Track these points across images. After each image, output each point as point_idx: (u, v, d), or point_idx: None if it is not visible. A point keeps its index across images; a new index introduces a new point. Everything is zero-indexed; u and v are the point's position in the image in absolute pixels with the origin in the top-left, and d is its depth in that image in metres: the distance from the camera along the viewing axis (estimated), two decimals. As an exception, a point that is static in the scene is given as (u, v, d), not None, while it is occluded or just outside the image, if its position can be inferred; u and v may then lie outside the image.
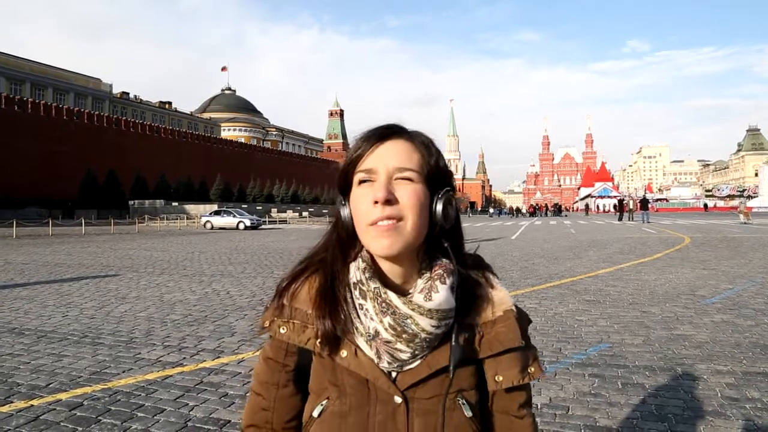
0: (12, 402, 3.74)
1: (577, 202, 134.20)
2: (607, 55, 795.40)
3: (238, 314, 6.73)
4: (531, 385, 0.94)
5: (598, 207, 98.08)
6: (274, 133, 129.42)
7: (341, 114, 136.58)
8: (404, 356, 0.84)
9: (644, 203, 38.57)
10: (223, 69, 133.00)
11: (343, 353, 0.87)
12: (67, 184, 58.21)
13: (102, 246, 19.53)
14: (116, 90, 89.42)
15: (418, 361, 0.85)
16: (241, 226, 35.86)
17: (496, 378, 0.87)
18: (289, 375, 0.94)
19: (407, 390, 0.85)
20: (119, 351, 5.01)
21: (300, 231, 33.97)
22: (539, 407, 3.48)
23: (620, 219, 41.64)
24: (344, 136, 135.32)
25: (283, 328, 0.90)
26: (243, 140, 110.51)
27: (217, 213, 39.18)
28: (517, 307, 0.91)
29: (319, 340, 0.88)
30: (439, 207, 0.84)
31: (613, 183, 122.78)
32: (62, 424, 3.35)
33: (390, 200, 0.80)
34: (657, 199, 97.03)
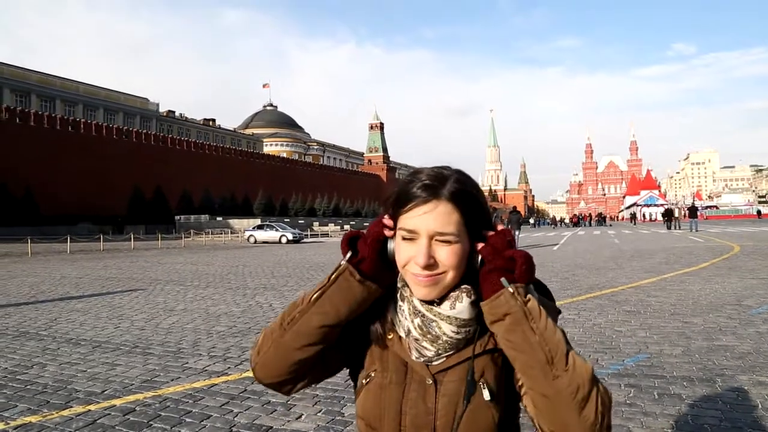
0: (71, 407, 4.00)
1: (622, 211, 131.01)
2: (650, 60, 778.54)
3: (280, 325, 6.91)
4: None
5: (644, 216, 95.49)
6: (315, 147, 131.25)
7: (381, 127, 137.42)
8: (429, 353, 1.00)
9: (692, 211, 37.43)
10: (265, 86, 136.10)
11: (390, 336, 1.05)
12: (117, 200, 60.41)
13: (150, 260, 20.24)
14: (162, 109, 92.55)
15: (443, 359, 1.00)
16: (284, 239, 36.48)
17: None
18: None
19: (437, 374, 1.00)
20: (168, 360, 5.26)
21: (338, 244, 34.27)
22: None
23: (668, 228, 40.46)
24: (385, 149, 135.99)
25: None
26: (285, 155, 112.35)
27: (260, 227, 39.97)
28: (540, 299, 0.99)
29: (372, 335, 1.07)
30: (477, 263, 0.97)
31: (659, 191, 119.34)
32: (117, 427, 3.57)
33: (431, 265, 0.94)
34: (706, 207, 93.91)
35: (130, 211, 59.55)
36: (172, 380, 4.60)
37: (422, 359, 1.01)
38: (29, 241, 24.48)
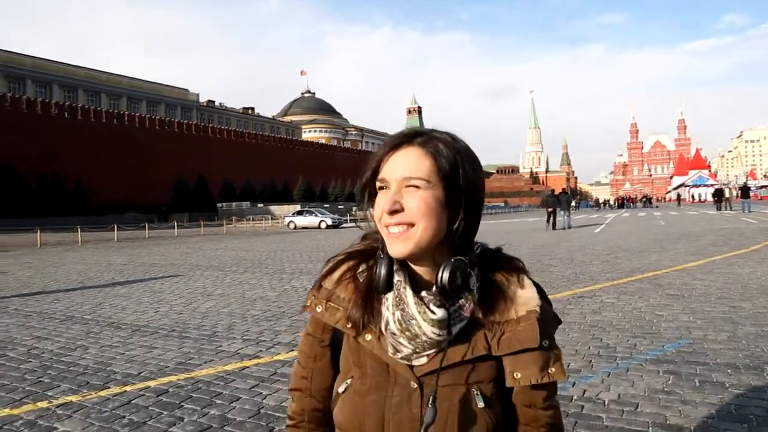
0: (109, 387, 4.11)
1: (669, 192, 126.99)
2: (699, 33, 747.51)
3: (314, 310, 6.95)
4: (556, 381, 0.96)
5: (693, 197, 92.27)
6: (354, 132, 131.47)
7: (419, 111, 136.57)
8: (406, 351, 0.91)
9: (744, 191, 35.88)
10: (302, 73, 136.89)
11: (368, 337, 0.95)
12: (162, 189, 62.01)
13: (192, 247, 20.72)
14: (202, 99, 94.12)
15: (424, 358, 0.91)
16: (323, 225, 36.78)
17: (515, 375, 0.90)
18: (325, 349, 1.04)
19: (423, 377, 0.91)
20: (203, 344, 5.35)
21: (379, 229, 34.37)
22: (606, 403, 3.40)
23: (718, 209, 38.99)
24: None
25: (320, 308, 1.00)
26: (323, 141, 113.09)
27: (299, 213, 40.39)
28: (543, 308, 0.92)
29: (347, 322, 0.96)
30: (446, 275, 0.87)
31: (709, 171, 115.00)
32: (150, 408, 3.65)
33: (395, 210, 0.86)
34: (761, 186, 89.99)
35: (174, 200, 61.14)
36: (205, 363, 4.67)
37: (399, 356, 0.91)
38: (79, 230, 25.37)
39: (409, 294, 0.90)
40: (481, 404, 0.89)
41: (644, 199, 79.01)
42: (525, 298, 0.92)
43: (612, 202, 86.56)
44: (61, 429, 3.38)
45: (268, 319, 6.51)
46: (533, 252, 13.75)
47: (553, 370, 0.91)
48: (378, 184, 0.91)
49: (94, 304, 7.83)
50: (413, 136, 0.90)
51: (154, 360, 4.84)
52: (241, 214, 55.37)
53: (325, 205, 57.33)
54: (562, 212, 24.19)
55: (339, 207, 61.10)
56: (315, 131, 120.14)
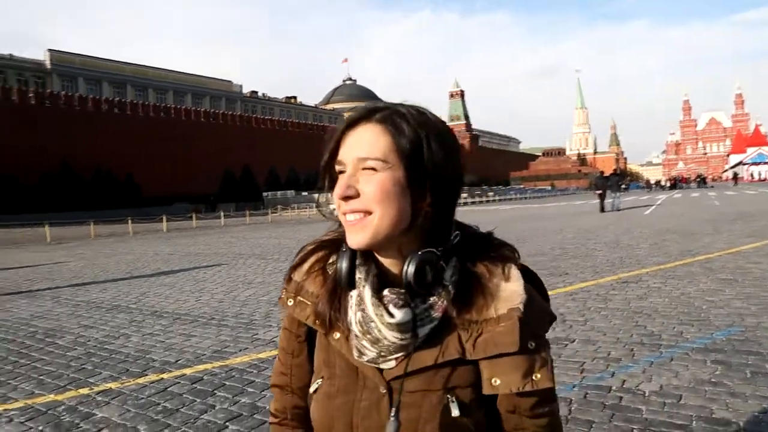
0: (147, 375, 4.20)
1: (725, 171, 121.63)
2: (753, 1, 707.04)
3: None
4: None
5: (752, 175, 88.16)
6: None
7: (462, 94, 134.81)
8: (370, 354, 0.82)
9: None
10: (344, 60, 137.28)
11: (336, 335, 0.86)
12: (209, 180, 63.43)
13: (236, 236, 21.12)
14: (246, 90, 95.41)
15: (392, 362, 0.81)
16: (366, 212, 36.84)
17: (493, 381, 0.79)
18: (302, 345, 0.96)
19: (393, 381, 0.81)
20: (239, 332, 5.41)
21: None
22: (646, 395, 3.24)
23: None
24: (467, 117, 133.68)
25: (291, 302, 0.92)
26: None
27: (342, 200, 40.55)
28: (529, 304, 0.78)
29: (316, 319, 0.88)
30: (411, 270, 0.77)
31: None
32: (184, 395, 3.70)
33: (349, 195, 0.77)
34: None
35: (221, 190, 62.54)
36: (240, 351, 4.72)
37: (364, 359, 0.82)
38: (130, 221, 26.23)
39: (367, 293, 0.81)
40: (456, 412, 0.79)
41: (698, 179, 75.90)
42: (508, 292, 0.79)
43: (664, 183, 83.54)
44: (99, 415, 3.46)
45: (306, 306, 6.52)
46: (578, 236, 13.38)
47: (538, 376, 0.78)
48: (337, 167, 0.81)
49: (139, 294, 8.05)
50: (373, 112, 0.80)
51: (191, 348, 4.92)
52: (286, 202, 56.08)
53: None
54: (612, 194, 23.55)
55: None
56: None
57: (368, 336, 0.81)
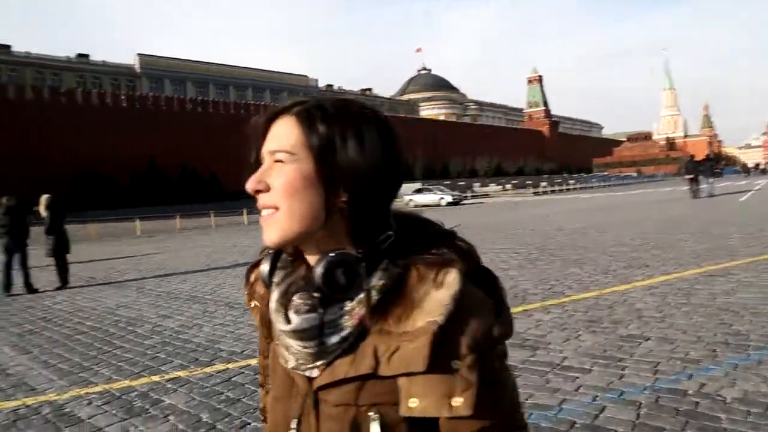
0: (214, 365, 4.34)
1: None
2: None
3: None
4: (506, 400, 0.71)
5: None
6: (473, 107, 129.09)
7: (540, 80, 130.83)
8: (291, 361, 0.75)
9: None
10: (418, 50, 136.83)
11: (277, 340, 0.80)
12: (289, 173, 65.43)
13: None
14: (321, 84, 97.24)
15: (316, 371, 0.74)
16: (443, 202, 36.61)
17: (410, 402, 0.68)
18: (269, 346, 0.91)
19: (320, 391, 0.74)
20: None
21: (497, 204, 33.65)
22: (727, 401, 2.96)
23: None
24: (545, 103, 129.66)
25: (252, 303, 0.89)
26: (443, 117, 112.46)
27: (418, 191, 40.55)
28: (454, 318, 0.67)
29: (260, 321, 0.86)
30: (318, 272, 0.70)
31: None
32: (246, 385, 3.79)
33: (259, 190, 0.73)
34: None
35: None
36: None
37: (289, 365, 0.76)
38: (213, 215, 27.45)
39: (272, 297, 0.76)
40: (376, 430, 0.69)
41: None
42: (433, 302, 0.68)
43: (764, 166, 77.22)
44: (167, 402, 3.61)
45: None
46: (663, 225, 12.62)
47: (459, 401, 0.66)
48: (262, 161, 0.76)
49: (215, 285, 8.37)
50: (293, 105, 0.75)
51: (258, 339, 5.02)
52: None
53: (445, 182, 57.06)
54: (705, 179, 22.09)
55: (460, 183, 60.59)
56: (433, 108, 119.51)
57: (279, 341, 0.77)
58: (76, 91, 55.35)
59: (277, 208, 0.72)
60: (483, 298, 0.72)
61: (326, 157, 0.70)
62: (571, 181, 65.72)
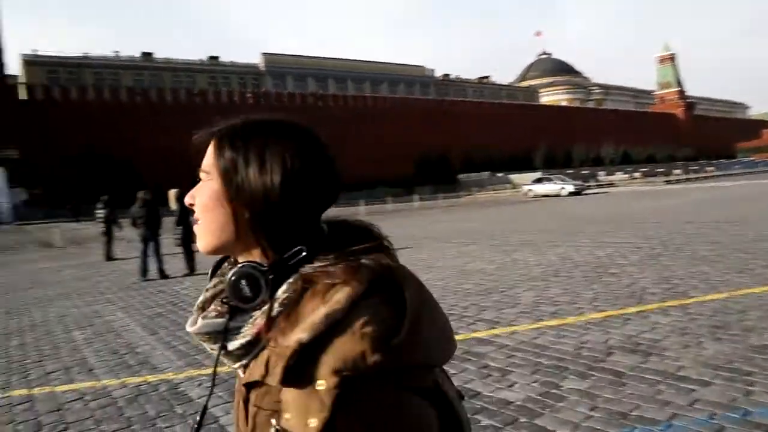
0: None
1: None
2: None
3: (528, 285, 6.68)
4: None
5: None
6: (597, 91, 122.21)
7: (673, 58, 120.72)
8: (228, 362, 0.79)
9: None
10: (538, 34, 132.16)
11: None
12: (406, 164, 66.03)
13: (429, 218, 21.67)
14: (438, 73, 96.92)
15: (241, 371, 0.77)
16: (564, 192, 35.12)
17: (285, 415, 0.68)
18: None
19: (247, 389, 0.76)
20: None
21: (623, 194, 31.63)
22: None
23: None
24: (679, 83, 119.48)
25: None
26: (565, 103, 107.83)
27: (538, 181, 39.25)
28: (323, 336, 0.66)
29: None
30: (227, 280, 0.73)
31: None
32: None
33: (191, 203, 0.80)
34: None
35: (417, 174, 64.63)
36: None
37: (227, 362, 0.78)
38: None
39: (198, 300, 0.82)
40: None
41: None
42: (311, 318, 0.68)
43: None
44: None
45: (479, 293, 6.43)
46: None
47: (312, 423, 0.65)
48: None
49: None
50: (219, 128, 0.81)
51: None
52: (481, 184, 56.06)
53: (567, 171, 54.72)
54: None
55: (583, 172, 57.80)
56: (554, 93, 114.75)
57: None
58: (208, 91, 59.89)
59: (197, 222, 0.79)
60: (370, 321, 0.67)
61: (229, 178, 0.75)
62: (710, 168, 60.26)
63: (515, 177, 57.85)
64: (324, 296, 0.69)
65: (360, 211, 30.04)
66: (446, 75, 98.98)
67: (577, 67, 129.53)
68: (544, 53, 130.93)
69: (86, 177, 43.30)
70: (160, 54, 70.52)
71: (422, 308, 0.71)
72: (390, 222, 20.84)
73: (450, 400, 0.74)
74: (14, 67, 57.50)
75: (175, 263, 10.13)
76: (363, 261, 0.72)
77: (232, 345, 0.75)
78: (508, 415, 3.02)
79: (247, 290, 0.72)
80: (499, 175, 61.07)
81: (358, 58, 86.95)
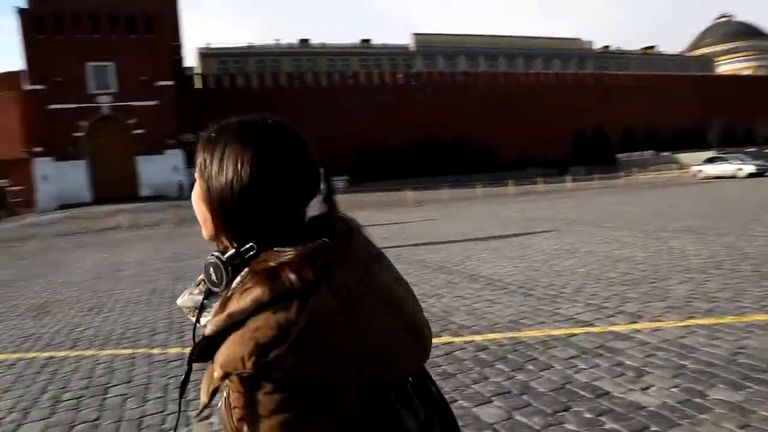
0: (440, 336, 4.44)
1: None
2: None
3: (683, 277, 6.01)
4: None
5: None
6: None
7: None
8: None
9: None
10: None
11: None
12: (560, 144, 62.92)
13: (581, 200, 20.51)
14: (597, 46, 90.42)
15: None
16: (741, 173, 31.14)
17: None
18: None
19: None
20: (543, 304, 5.24)
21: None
22: None
23: None
24: None
25: None
26: (749, 72, 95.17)
27: (710, 160, 35.19)
28: (217, 333, 0.72)
29: None
30: (204, 269, 0.81)
31: None
32: (465, 361, 3.79)
33: None
34: None
35: (572, 153, 61.30)
36: (536, 324, 4.56)
37: None
38: (480, 186, 28.09)
39: (198, 278, 0.87)
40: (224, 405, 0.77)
41: None
42: (220, 316, 0.73)
43: None
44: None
45: (624, 283, 5.92)
46: None
47: (202, 399, 0.76)
48: None
49: (464, 256, 8.56)
50: (206, 130, 0.87)
51: (490, 315, 4.99)
52: (642, 164, 51.88)
53: (747, 150, 48.45)
54: None
55: (766, 151, 50.82)
56: (734, 62, 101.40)
57: None
58: (360, 73, 61.85)
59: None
60: (262, 326, 0.69)
61: (201, 177, 0.82)
62: None
63: (683, 156, 52.71)
64: (241, 295, 0.73)
65: (508, 191, 29.25)
66: (605, 47, 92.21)
67: (767, 29, 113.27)
68: (723, 15, 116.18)
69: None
70: (315, 40, 74.13)
71: (334, 317, 0.70)
72: (540, 204, 20.06)
73: (399, 419, 0.74)
74: (191, 60, 64.44)
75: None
76: (285, 262, 0.73)
77: (203, 320, 0.82)
78: (638, 420, 2.73)
79: (214, 277, 0.80)
80: (664, 154, 56.03)
81: (510, 34, 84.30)
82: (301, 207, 0.82)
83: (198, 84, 55.13)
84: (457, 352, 4.01)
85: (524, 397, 3.13)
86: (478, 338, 4.30)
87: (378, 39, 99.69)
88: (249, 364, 0.67)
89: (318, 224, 0.83)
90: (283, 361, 0.67)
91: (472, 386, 3.34)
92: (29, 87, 40.43)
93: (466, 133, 58.23)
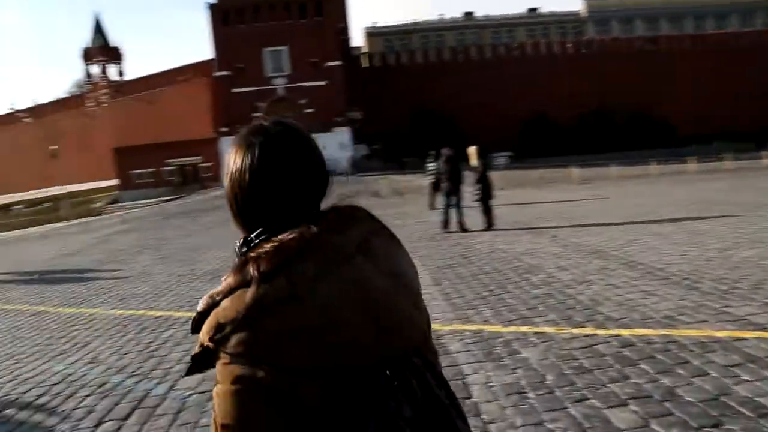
0: (584, 327, 4.19)
1: None
2: None
3: None
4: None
5: None
6: None
7: None
8: None
9: None
10: None
11: None
12: (762, 113, 54.94)
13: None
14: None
15: None
16: None
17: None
18: None
19: None
20: (709, 299, 4.66)
21: None
22: None
23: None
24: None
25: None
26: None
27: None
28: (204, 311, 0.83)
29: None
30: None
31: None
32: (606, 357, 3.52)
33: None
34: None
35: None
36: (695, 322, 4.07)
37: None
38: (654, 163, 25.66)
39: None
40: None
41: None
42: (208, 295, 0.84)
43: None
44: (523, 354, 3.70)
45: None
46: None
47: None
48: None
49: (626, 240, 7.90)
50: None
51: (643, 308, 4.55)
52: None
53: None
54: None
55: None
56: None
57: None
58: (526, 44, 59.30)
59: None
60: (225, 308, 0.79)
61: (226, 172, 0.92)
62: None
63: None
64: (224, 280, 0.83)
65: (688, 169, 26.31)
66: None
67: None
68: None
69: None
70: (480, 12, 72.57)
71: (282, 304, 0.76)
72: (721, 183, 17.77)
73: (360, 412, 0.75)
74: (358, 40, 66.81)
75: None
76: (253, 256, 0.82)
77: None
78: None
79: (236, 258, 0.89)
80: None
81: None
82: (306, 200, 0.89)
83: (365, 63, 57.09)
84: (599, 345, 3.73)
85: (666, 404, 2.82)
86: (624, 333, 3.95)
87: (546, 7, 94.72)
88: (208, 338, 0.79)
89: (322, 216, 0.88)
90: (231, 337, 0.76)
91: (608, 385, 3.09)
92: (217, 73, 45.32)
93: (646, 104, 53.44)
